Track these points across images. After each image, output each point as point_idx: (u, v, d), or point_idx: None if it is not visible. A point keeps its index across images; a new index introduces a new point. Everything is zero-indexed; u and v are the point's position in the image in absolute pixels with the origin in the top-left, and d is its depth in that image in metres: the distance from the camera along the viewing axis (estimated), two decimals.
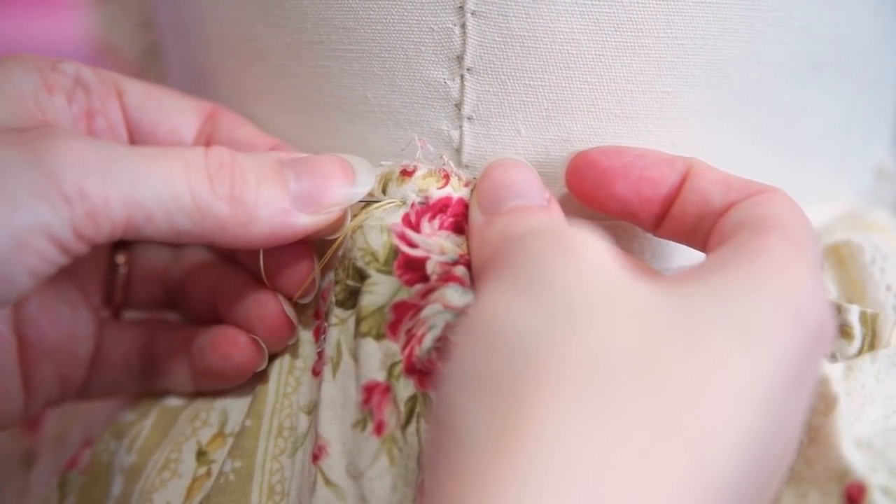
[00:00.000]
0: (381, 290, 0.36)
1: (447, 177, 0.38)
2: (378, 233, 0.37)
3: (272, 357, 0.40)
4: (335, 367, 0.37)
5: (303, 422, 0.38)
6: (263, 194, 0.34)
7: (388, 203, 0.38)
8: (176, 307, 0.44)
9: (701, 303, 0.28)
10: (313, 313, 0.40)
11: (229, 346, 0.40)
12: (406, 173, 0.38)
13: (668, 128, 0.39)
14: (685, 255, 0.39)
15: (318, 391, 0.37)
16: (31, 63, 0.36)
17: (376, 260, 0.36)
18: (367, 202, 0.38)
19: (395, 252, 0.36)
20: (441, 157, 0.39)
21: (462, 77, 0.38)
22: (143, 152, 0.33)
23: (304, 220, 0.36)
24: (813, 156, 0.44)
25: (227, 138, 0.40)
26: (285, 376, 0.40)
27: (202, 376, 0.41)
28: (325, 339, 0.38)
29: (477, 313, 0.28)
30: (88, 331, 0.41)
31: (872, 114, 0.46)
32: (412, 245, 0.36)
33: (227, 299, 0.41)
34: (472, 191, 0.38)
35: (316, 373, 0.39)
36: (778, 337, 0.28)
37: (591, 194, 0.37)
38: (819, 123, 0.43)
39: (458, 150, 0.39)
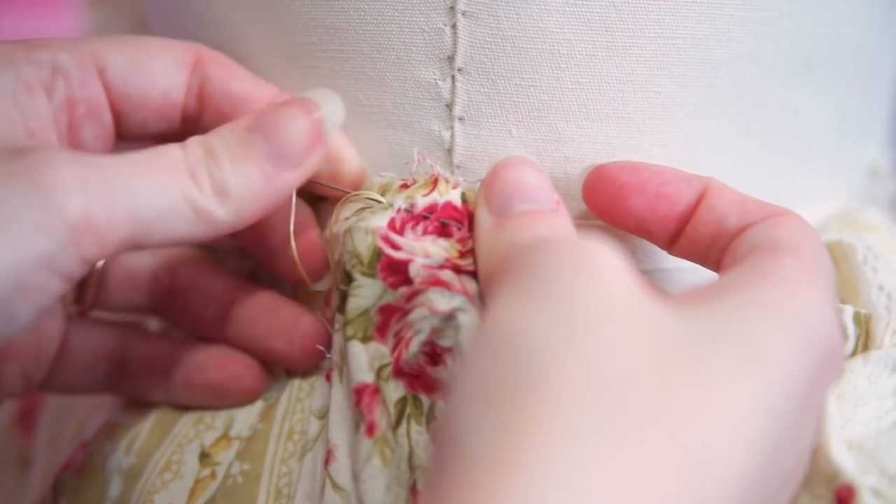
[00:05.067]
0: (365, 293, 0.36)
1: (435, 182, 0.38)
2: (363, 235, 0.36)
3: None
4: (340, 372, 0.37)
5: (313, 426, 0.38)
6: (241, 173, 0.34)
7: (378, 200, 0.38)
8: (162, 314, 0.43)
9: (710, 325, 0.28)
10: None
11: (237, 366, 0.40)
12: (405, 186, 0.38)
13: (659, 128, 0.39)
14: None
15: (329, 396, 0.37)
16: (2, 58, 0.35)
17: (361, 263, 0.36)
18: (357, 196, 0.38)
19: (378, 254, 0.36)
20: (432, 165, 0.38)
21: (453, 77, 0.38)
22: (134, 164, 0.32)
23: (289, 178, 0.35)
24: (806, 155, 0.43)
25: (222, 94, 0.38)
26: (299, 381, 0.40)
27: (195, 390, 0.41)
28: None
29: (488, 321, 0.28)
30: (56, 330, 0.40)
31: (866, 113, 0.46)
32: (395, 247, 0.36)
33: (248, 316, 0.40)
34: (476, 190, 0.37)
35: (328, 378, 0.39)
36: (786, 359, 0.28)
37: (607, 208, 0.37)
38: (812, 123, 0.43)
39: (450, 151, 0.39)
